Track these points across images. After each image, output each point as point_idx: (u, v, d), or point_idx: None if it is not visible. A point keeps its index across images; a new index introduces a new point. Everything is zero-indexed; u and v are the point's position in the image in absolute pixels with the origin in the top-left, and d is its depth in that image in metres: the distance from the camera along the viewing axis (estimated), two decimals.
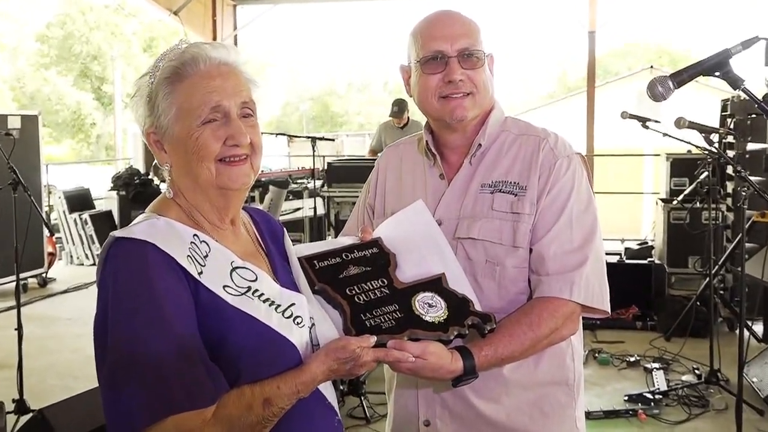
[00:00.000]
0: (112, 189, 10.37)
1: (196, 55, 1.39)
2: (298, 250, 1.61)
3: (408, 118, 9.12)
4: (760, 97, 1.80)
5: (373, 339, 1.40)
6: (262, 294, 1.39)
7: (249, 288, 1.38)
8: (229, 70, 1.42)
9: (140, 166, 11.46)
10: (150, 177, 10.42)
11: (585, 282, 1.73)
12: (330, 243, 1.66)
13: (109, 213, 10.18)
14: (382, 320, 1.47)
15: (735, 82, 1.80)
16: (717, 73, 1.81)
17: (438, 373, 1.56)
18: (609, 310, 1.80)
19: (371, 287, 1.54)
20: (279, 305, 1.40)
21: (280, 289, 1.44)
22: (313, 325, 1.44)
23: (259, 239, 1.57)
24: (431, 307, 1.54)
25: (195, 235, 1.38)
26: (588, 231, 1.78)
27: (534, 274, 1.77)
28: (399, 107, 8.95)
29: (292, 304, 1.42)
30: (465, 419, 1.81)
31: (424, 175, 1.92)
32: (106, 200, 10.55)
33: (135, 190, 10.12)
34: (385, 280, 1.57)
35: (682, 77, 1.83)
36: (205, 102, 1.38)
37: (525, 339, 1.68)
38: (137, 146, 13.02)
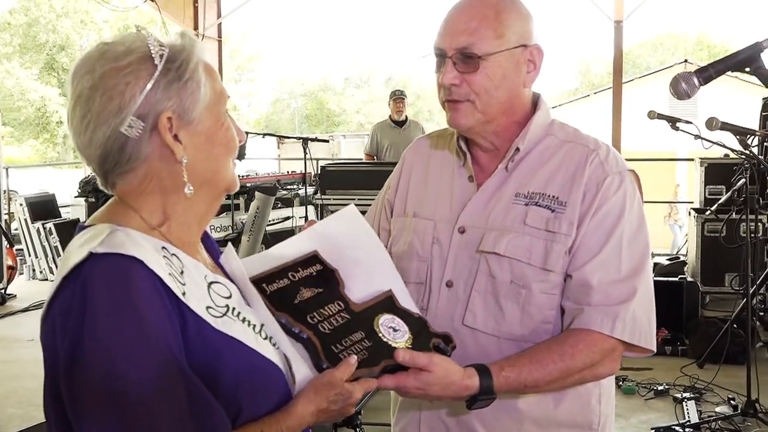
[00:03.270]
0: (80, 195, 10.30)
1: (198, 42, 1.37)
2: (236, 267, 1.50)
3: (406, 116, 9.30)
4: None
5: (355, 360, 1.40)
6: (240, 313, 1.35)
7: (227, 307, 1.34)
8: None
9: None
10: None
11: (631, 317, 1.70)
12: (264, 257, 1.57)
13: (76, 222, 10.16)
14: (354, 351, 1.46)
15: (767, 79, 1.83)
16: (747, 69, 1.84)
17: (449, 390, 1.57)
18: (655, 349, 1.76)
19: (330, 312, 1.50)
20: (254, 325, 1.37)
21: (248, 307, 1.41)
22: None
23: (210, 252, 1.52)
24: (396, 332, 1.55)
25: (163, 247, 1.30)
26: (638, 260, 1.74)
27: (572, 303, 1.73)
28: (399, 94, 9.37)
29: (262, 324, 1.39)
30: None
31: (452, 175, 1.90)
32: (74, 207, 10.55)
33: (105, 197, 10.04)
34: (341, 304, 1.54)
35: (708, 73, 1.86)
36: (224, 92, 1.38)
37: (554, 368, 1.66)
38: None
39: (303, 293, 1.51)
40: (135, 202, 1.35)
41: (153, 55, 1.29)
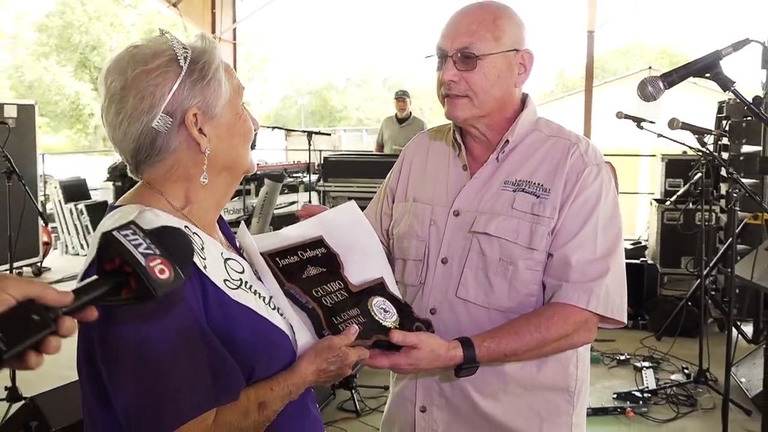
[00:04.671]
0: (108, 180, 10.32)
1: (215, 43, 1.37)
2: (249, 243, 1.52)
3: (410, 112, 9.31)
4: (753, 99, 1.81)
5: (355, 330, 1.43)
6: (251, 286, 1.36)
7: (241, 280, 1.35)
8: None
9: None
10: None
11: (605, 292, 1.71)
12: (276, 237, 1.59)
13: (104, 203, 10.13)
14: (351, 324, 1.47)
15: (725, 84, 1.81)
16: (707, 75, 1.82)
17: (437, 362, 1.60)
18: (625, 321, 1.77)
19: (332, 289, 1.53)
20: (264, 296, 1.38)
21: (258, 281, 1.43)
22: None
23: (224, 233, 1.53)
24: (386, 312, 1.57)
25: (186, 226, 1.30)
26: (612, 242, 1.75)
27: (552, 279, 1.74)
28: (401, 94, 9.35)
29: (271, 297, 1.40)
30: (461, 410, 1.81)
31: (449, 164, 1.91)
32: (102, 191, 10.53)
33: (130, 182, 10.03)
34: (341, 283, 1.56)
35: (672, 78, 1.84)
36: (240, 86, 1.40)
37: (531, 339, 1.68)
38: None
39: (309, 270, 1.53)
40: (161, 187, 1.35)
41: (179, 58, 1.30)
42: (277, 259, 1.49)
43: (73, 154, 28.18)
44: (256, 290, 1.37)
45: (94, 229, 9.71)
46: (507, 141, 1.82)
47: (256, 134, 1.48)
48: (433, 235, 1.86)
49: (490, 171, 1.84)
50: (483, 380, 1.76)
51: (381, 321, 1.54)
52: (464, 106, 1.78)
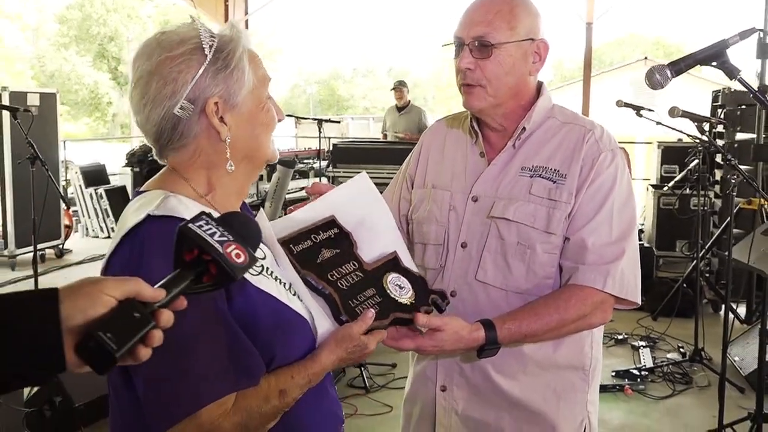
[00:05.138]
0: (127, 165, 10.31)
1: (245, 33, 1.33)
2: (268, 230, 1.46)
3: (409, 101, 9.37)
4: (759, 87, 1.76)
5: (372, 314, 1.38)
6: (272, 272, 1.33)
7: (262, 267, 1.31)
8: None
9: None
10: None
11: (620, 274, 1.70)
12: (288, 221, 1.54)
13: (123, 188, 10.13)
14: (368, 305, 1.44)
15: (731, 72, 1.77)
16: (714, 63, 1.78)
17: (460, 343, 1.59)
18: (639, 302, 1.77)
19: (347, 271, 1.48)
20: (285, 283, 1.34)
21: (278, 267, 1.39)
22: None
23: None
24: (401, 289, 1.53)
25: (209, 212, 1.25)
26: (627, 225, 1.74)
27: (569, 262, 1.73)
28: (400, 82, 9.51)
29: (290, 283, 1.36)
30: (480, 389, 1.81)
31: (466, 151, 1.89)
32: (121, 176, 10.50)
33: (148, 167, 10.07)
34: (356, 263, 1.51)
35: (679, 66, 1.79)
36: (266, 76, 1.36)
37: (551, 320, 1.67)
38: None
39: (324, 253, 1.47)
40: (185, 173, 1.32)
41: (204, 46, 1.26)
42: (291, 246, 1.44)
43: (92, 140, 28.16)
44: (277, 276, 1.33)
45: (113, 213, 9.71)
46: (524, 128, 1.80)
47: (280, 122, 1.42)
48: (452, 221, 1.84)
49: (507, 158, 1.81)
50: (502, 360, 1.75)
51: (397, 298, 1.50)
52: (480, 95, 1.75)
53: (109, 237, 9.58)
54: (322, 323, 1.35)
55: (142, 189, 1.33)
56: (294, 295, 1.34)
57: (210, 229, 0.99)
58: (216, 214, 1.26)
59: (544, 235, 1.73)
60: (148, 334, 0.89)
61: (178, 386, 1.14)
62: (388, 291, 1.51)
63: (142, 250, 1.18)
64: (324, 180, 7.74)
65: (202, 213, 1.01)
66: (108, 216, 9.76)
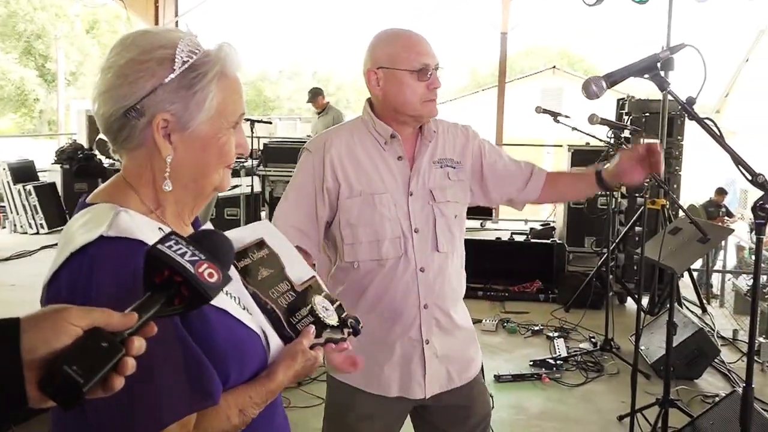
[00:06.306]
0: (56, 162, 9.89)
1: (232, 57, 1.22)
2: None
3: (326, 103, 9.52)
4: (687, 99, 1.77)
5: (313, 330, 1.33)
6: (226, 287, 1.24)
7: (231, 278, 1.21)
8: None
9: (84, 142, 10.95)
10: (93, 152, 9.99)
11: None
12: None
13: (53, 185, 9.71)
14: (305, 323, 1.39)
15: (662, 85, 1.78)
16: (646, 76, 1.78)
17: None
18: None
19: (282, 290, 1.43)
20: (235, 297, 1.24)
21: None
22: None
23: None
24: (327, 310, 1.48)
25: (160, 228, 1.18)
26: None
27: (523, 176, 2.27)
28: (313, 94, 9.53)
29: (239, 297, 1.26)
30: (445, 328, 2.15)
31: (382, 157, 2.10)
32: (50, 173, 10.06)
33: (78, 164, 9.68)
34: (288, 283, 1.45)
35: (614, 78, 1.80)
36: (237, 108, 1.23)
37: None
38: (81, 122, 12.39)
39: (261, 272, 1.41)
40: (135, 183, 1.21)
41: (176, 59, 1.15)
42: (235, 261, 1.34)
43: (18, 137, 26.92)
44: (227, 290, 1.22)
45: (42, 209, 9.27)
46: (435, 131, 2.16)
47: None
48: (401, 215, 2.09)
49: (423, 156, 2.13)
50: (454, 301, 2.18)
51: (325, 319, 1.45)
52: (435, 105, 2.10)
53: (37, 233, 9.16)
54: (274, 340, 1.27)
55: (88, 200, 1.21)
56: (244, 309, 1.24)
57: (180, 249, 0.92)
58: (167, 230, 1.17)
59: (463, 205, 2.20)
60: (119, 363, 0.82)
61: (137, 406, 1.03)
62: (317, 312, 1.45)
63: (92, 266, 1.07)
64: (256, 179, 7.57)
65: (172, 233, 0.94)
66: (37, 212, 9.32)
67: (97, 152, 10.01)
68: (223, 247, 0.99)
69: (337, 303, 1.53)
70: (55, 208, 9.52)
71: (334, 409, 2.21)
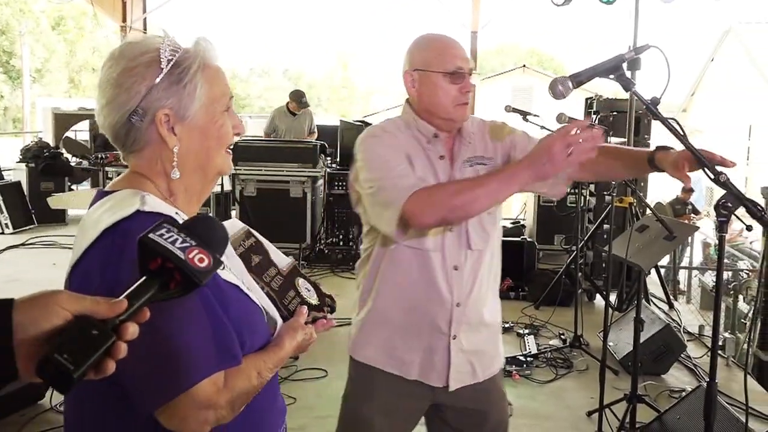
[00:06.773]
0: (22, 161, 9.73)
1: (209, 49, 1.36)
2: None
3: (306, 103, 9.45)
4: (651, 99, 1.81)
5: (306, 309, 1.48)
6: (231, 269, 1.35)
7: (223, 263, 1.31)
8: None
9: (50, 140, 10.78)
10: (60, 150, 9.85)
11: None
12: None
13: (18, 184, 9.54)
14: (296, 304, 1.54)
15: (627, 85, 1.81)
16: (612, 76, 1.81)
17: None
18: None
19: (272, 275, 1.56)
20: (239, 278, 1.36)
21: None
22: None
23: None
24: (309, 291, 1.63)
25: (176, 212, 1.29)
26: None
27: None
28: (300, 97, 9.38)
29: (242, 278, 1.38)
30: (473, 325, 2.18)
31: (426, 155, 2.13)
32: (15, 171, 9.88)
33: (44, 163, 9.53)
34: (275, 269, 1.59)
35: (580, 78, 1.82)
36: (225, 91, 1.37)
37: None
38: (47, 120, 12.20)
39: (253, 259, 1.54)
40: (148, 175, 1.33)
41: (162, 59, 1.28)
42: (233, 249, 1.49)
43: None
44: (232, 271, 1.35)
45: (6, 208, 9.11)
46: (473, 132, 2.19)
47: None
48: None
49: (460, 155, 2.14)
50: (487, 300, 2.21)
51: (308, 299, 1.59)
52: (467, 110, 2.14)
53: (2, 233, 8.98)
54: (276, 315, 1.42)
55: (107, 189, 1.34)
56: (248, 288, 1.36)
57: (171, 236, 0.97)
58: (184, 216, 1.29)
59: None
60: (112, 348, 0.87)
61: (171, 365, 1.15)
62: (301, 293, 1.60)
63: (125, 240, 1.16)
64: (226, 178, 7.52)
65: (164, 221, 0.99)
66: (2, 212, 9.14)
67: (63, 150, 9.87)
68: (215, 232, 1.03)
69: (314, 284, 1.69)
70: (21, 207, 9.36)
71: (353, 388, 2.28)
